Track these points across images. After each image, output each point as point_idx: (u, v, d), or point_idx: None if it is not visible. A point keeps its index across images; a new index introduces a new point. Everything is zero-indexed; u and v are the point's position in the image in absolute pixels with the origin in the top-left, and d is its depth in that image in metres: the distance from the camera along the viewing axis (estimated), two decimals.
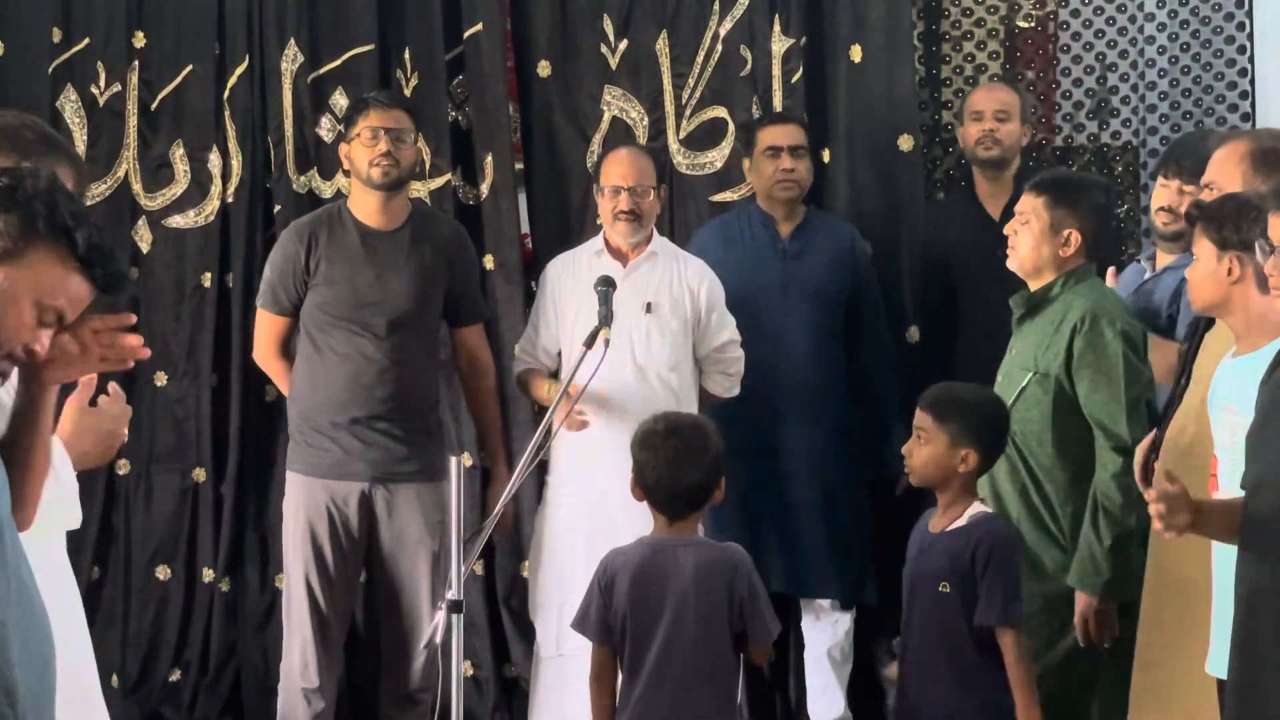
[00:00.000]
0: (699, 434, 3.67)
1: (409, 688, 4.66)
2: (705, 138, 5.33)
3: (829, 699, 5.06)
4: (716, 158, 5.33)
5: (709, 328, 4.75)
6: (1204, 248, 3.20)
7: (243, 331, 5.36)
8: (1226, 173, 3.50)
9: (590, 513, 4.60)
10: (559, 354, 4.77)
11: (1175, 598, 3.39)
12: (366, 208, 4.70)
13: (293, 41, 5.42)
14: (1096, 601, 3.77)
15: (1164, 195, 4.28)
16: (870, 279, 5.06)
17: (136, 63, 5.49)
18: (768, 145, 4.97)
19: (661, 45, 5.36)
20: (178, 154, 5.47)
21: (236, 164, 5.44)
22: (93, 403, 2.86)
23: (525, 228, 5.45)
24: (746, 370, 4.81)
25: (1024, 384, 3.93)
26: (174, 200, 5.47)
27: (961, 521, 3.65)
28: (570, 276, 4.77)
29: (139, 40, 5.50)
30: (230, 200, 5.44)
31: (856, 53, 5.26)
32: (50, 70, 5.46)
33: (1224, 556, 3.00)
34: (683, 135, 5.35)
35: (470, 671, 5.32)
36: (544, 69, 5.40)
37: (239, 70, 5.43)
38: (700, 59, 5.34)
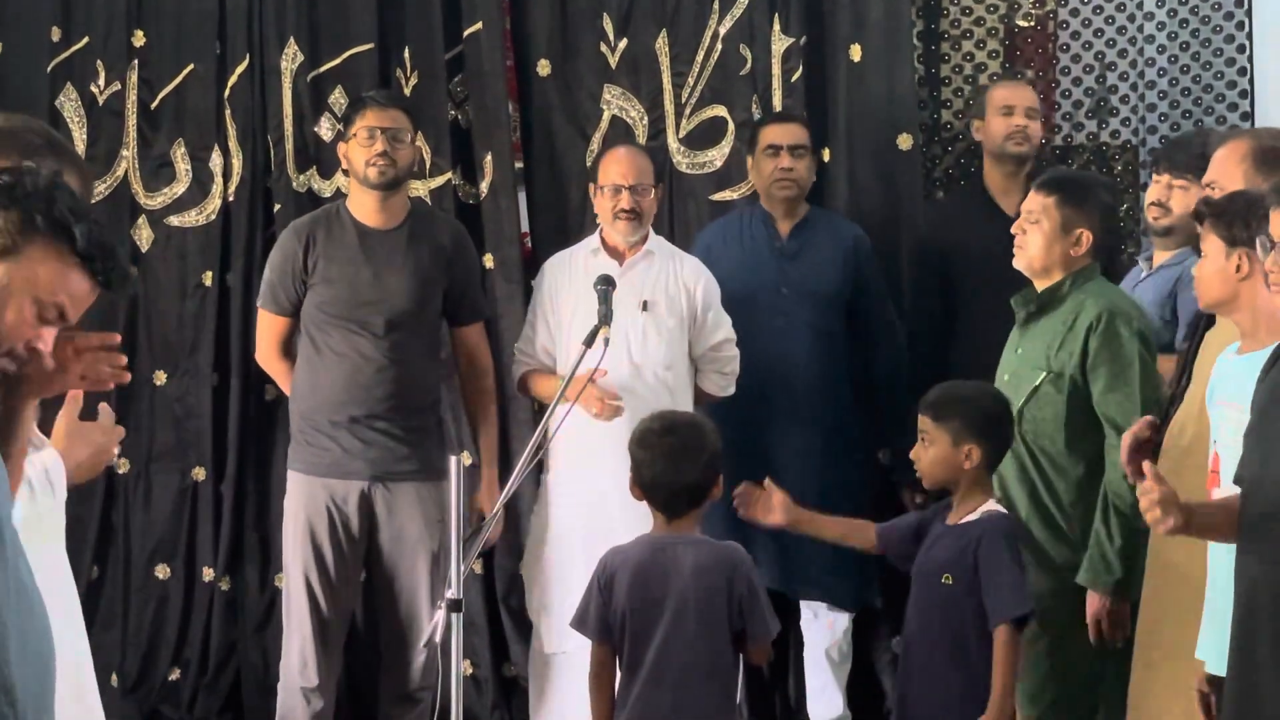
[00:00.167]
0: (696, 432, 3.68)
1: (408, 687, 4.66)
2: (705, 137, 5.34)
3: (828, 699, 5.06)
4: (716, 157, 5.33)
5: (705, 326, 4.76)
6: (1212, 244, 3.20)
7: (243, 331, 5.37)
8: (1228, 172, 3.50)
9: (587, 511, 4.60)
10: (555, 353, 4.77)
11: (1176, 597, 3.39)
12: (365, 207, 4.70)
13: (293, 40, 5.42)
14: (1109, 601, 3.77)
15: (1155, 190, 4.30)
16: (874, 279, 5.04)
17: (136, 62, 5.49)
18: (768, 143, 4.97)
19: (661, 44, 5.36)
20: (179, 153, 5.47)
21: (237, 163, 5.44)
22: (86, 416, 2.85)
23: (525, 227, 5.45)
24: (743, 369, 4.81)
25: (1037, 384, 3.93)
26: (175, 199, 5.48)
27: (972, 517, 3.67)
28: (567, 275, 4.77)
29: (138, 39, 5.50)
30: (231, 199, 5.45)
31: (856, 52, 5.26)
32: (49, 69, 5.46)
33: (1219, 549, 3.01)
34: (682, 134, 5.35)
35: (469, 670, 5.32)
36: (544, 68, 5.40)
37: (239, 69, 5.43)
38: (700, 58, 5.34)
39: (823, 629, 5.05)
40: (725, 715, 3.66)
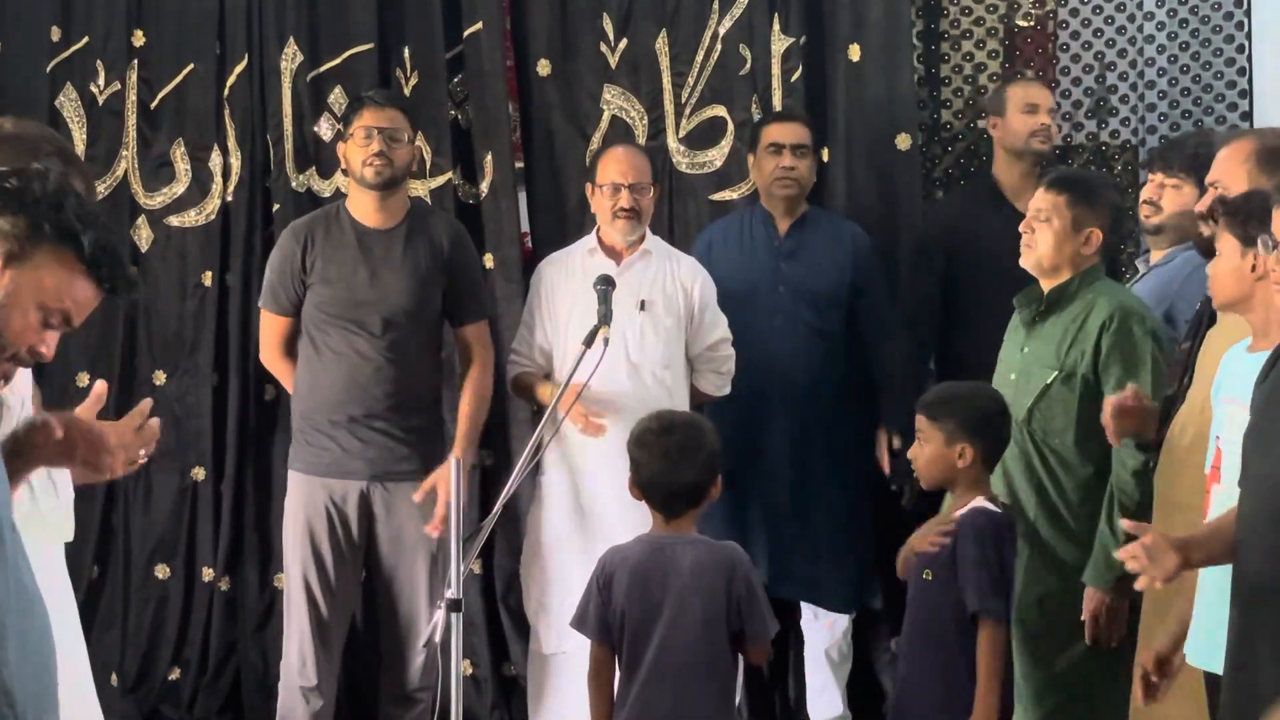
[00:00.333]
0: (694, 432, 3.68)
1: (408, 687, 4.66)
2: (705, 136, 5.34)
3: (828, 699, 5.06)
4: (716, 156, 5.33)
5: (702, 326, 4.76)
6: (1227, 243, 3.20)
7: (242, 330, 5.37)
8: (1231, 171, 3.50)
9: (583, 511, 4.61)
10: (552, 354, 4.76)
11: (1176, 599, 3.39)
12: (363, 207, 4.70)
13: (292, 40, 5.42)
14: (1108, 598, 3.77)
15: (1147, 189, 4.31)
16: (872, 277, 5.03)
17: (136, 61, 5.49)
18: (770, 142, 4.97)
19: (661, 44, 5.36)
20: (179, 153, 5.47)
21: (237, 163, 5.44)
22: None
23: (525, 226, 5.45)
24: (741, 368, 4.81)
25: (1048, 382, 3.93)
26: (175, 199, 5.48)
27: (957, 515, 3.68)
28: (564, 275, 4.77)
29: (138, 39, 5.50)
30: (230, 199, 5.45)
31: (855, 52, 5.26)
32: (49, 69, 5.47)
33: None
34: (682, 134, 5.35)
35: (469, 670, 5.32)
36: (544, 68, 5.40)
37: (238, 69, 5.43)
38: (700, 58, 5.34)
39: (823, 629, 5.05)
40: (724, 715, 3.66)
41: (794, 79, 5.27)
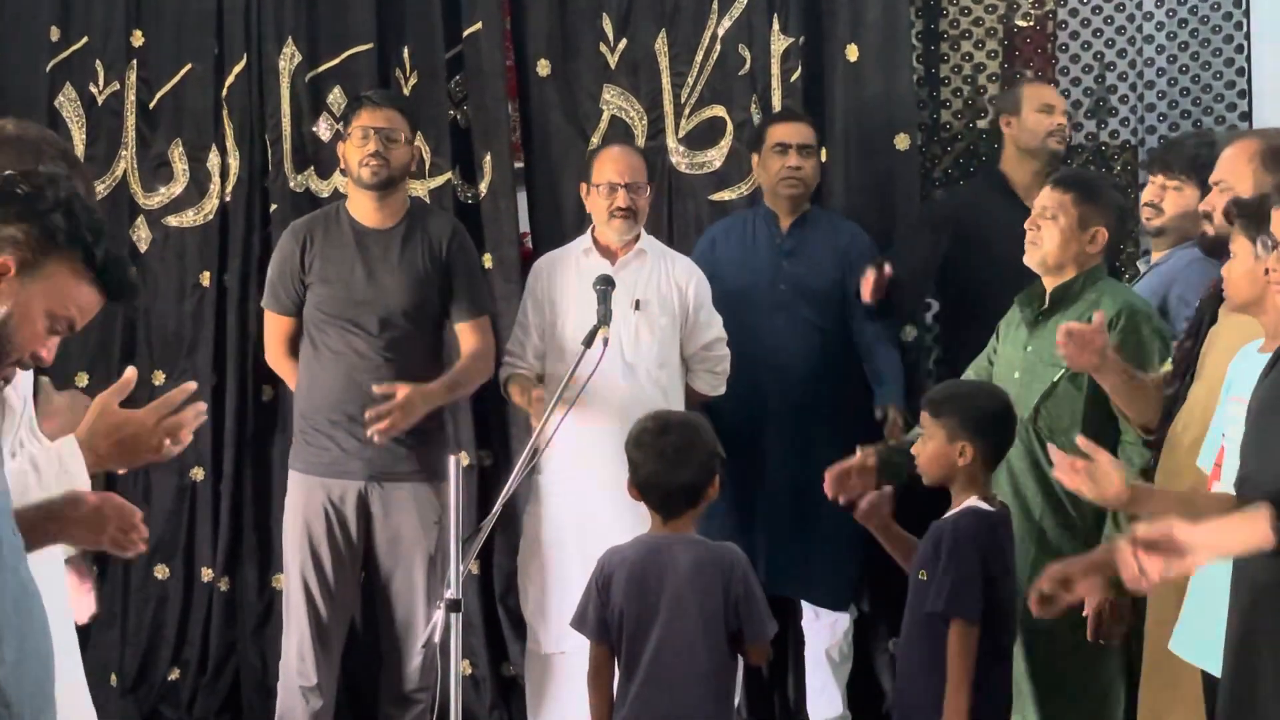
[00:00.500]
0: (691, 432, 3.68)
1: (407, 687, 4.66)
2: (704, 137, 5.33)
3: (828, 699, 5.06)
4: (715, 156, 5.33)
5: (696, 325, 4.76)
6: (1241, 245, 3.20)
7: (240, 331, 5.37)
8: (1236, 171, 3.51)
9: (580, 509, 4.61)
10: (546, 354, 4.76)
11: (1178, 595, 3.39)
12: (362, 207, 4.70)
13: (291, 40, 5.42)
14: (1111, 594, 3.76)
15: (1149, 191, 4.31)
16: (862, 265, 4.97)
17: (135, 61, 5.49)
18: (776, 141, 4.97)
19: (660, 44, 5.36)
20: (176, 153, 5.47)
21: (235, 163, 5.44)
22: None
23: (525, 226, 5.45)
24: (743, 364, 4.81)
25: (1055, 380, 3.93)
26: (173, 199, 5.48)
27: (951, 513, 3.69)
28: (559, 275, 4.77)
29: (137, 39, 5.50)
30: (229, 199, 5.44)
31: (852, 52, 5.26)
32: (48, 69, 5.47)
33: None
34: (682, 134, 5.35)
35: (467, 670, 5.32)
36: (543, 68, 5.39)
37: (237, 69, 5.43)
38: (699, 58, 5.34)
39: (824, 629, 5.05)
40: (723, 715, 3.66)
41: (793, 79, 5.27)
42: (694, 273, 4.80)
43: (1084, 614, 3.81)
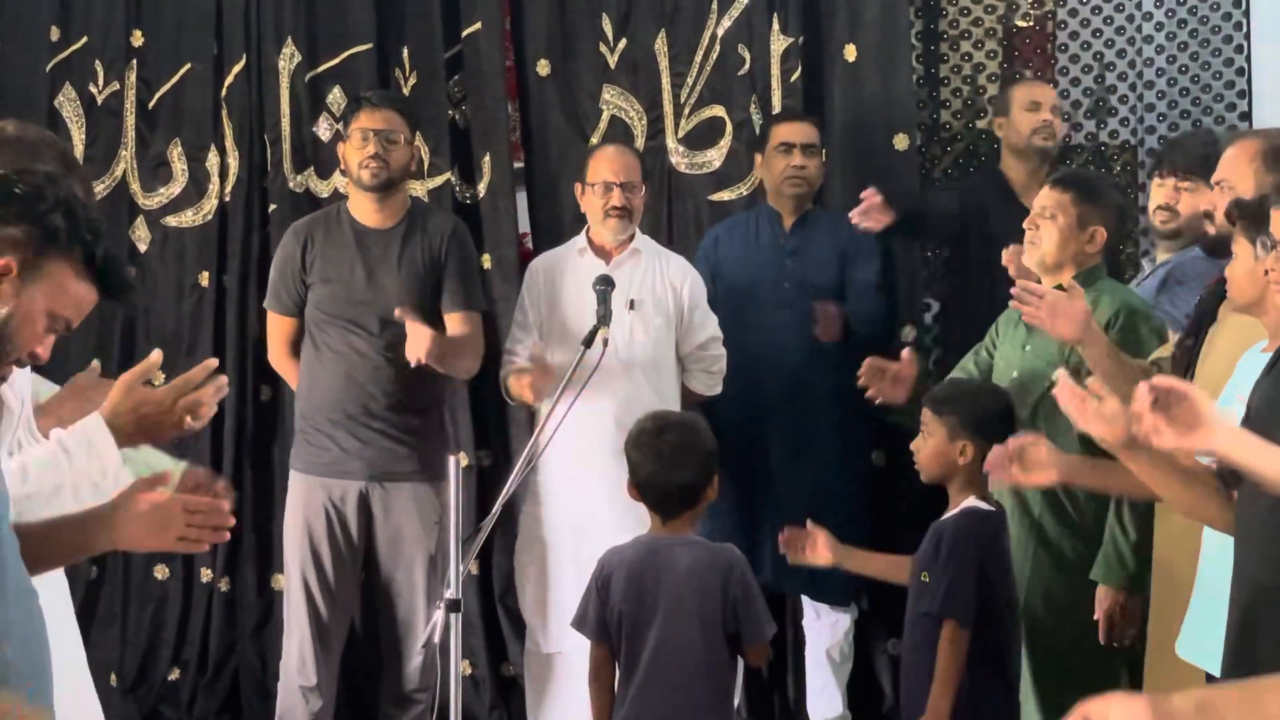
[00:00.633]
0: (690, 432, 3.68)
1: (407, 687, 4.66)
2: (704, 137, 5.33)
3: (828, 698, 5.06)
4: (715, 157, 5.33)
5: (691, 325, 4.76)
6: (1242, 246, 3.19)
7: (239, 331, 5.37)
8: (1238, 171, 3.50)
9: (576, 508, 4.61)
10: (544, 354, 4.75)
11: (1188, 596, 3.38)
12: (362, 208, 4.70)
13: (290, 40, 5.42)
14: (1121, 596, 3.76)
15: (1161, 194, 4.29)
16: (861, 252, 4.96)
17: (134, 61, 5.49)
18: (781, 141, 4.98)
19: (660, 44, 5.36)
20: (175, 153, 5.47)
21: (234, 163, 5.44)
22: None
23: (525, 227, 5.45)
24: (746, 362, 4.81)
25: (1054, 379, 3.92)
26: (172, 199, 5.48)
27: (950, 514, 3.69)
28: (555, 275, 4.77)
29: (137, 39, 5.51)
30: (228, 199, 5.44)
31: (851, 52, 5.26)
32: (48, 69, 5.47)
33: (1214, 546, 3.01)
34: (681, 134, 5.34)
35: (467, 670, 5.32)
36: (543, 68, 5.39)
37: (236, 69, 5.43)
38: (699, 58, 5.34)
39: (825, 629, 5.05)
40: (722, 715, 3.66)
41: (793, 79, 5.27)
42: (689, 272, 4.80)
43: (1095, 618, 3.83)
